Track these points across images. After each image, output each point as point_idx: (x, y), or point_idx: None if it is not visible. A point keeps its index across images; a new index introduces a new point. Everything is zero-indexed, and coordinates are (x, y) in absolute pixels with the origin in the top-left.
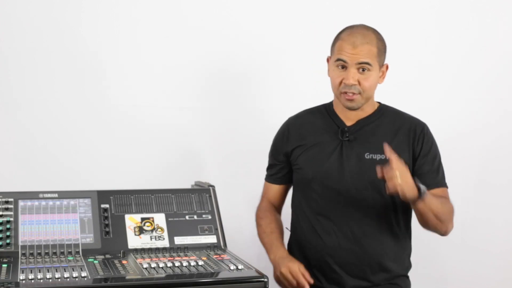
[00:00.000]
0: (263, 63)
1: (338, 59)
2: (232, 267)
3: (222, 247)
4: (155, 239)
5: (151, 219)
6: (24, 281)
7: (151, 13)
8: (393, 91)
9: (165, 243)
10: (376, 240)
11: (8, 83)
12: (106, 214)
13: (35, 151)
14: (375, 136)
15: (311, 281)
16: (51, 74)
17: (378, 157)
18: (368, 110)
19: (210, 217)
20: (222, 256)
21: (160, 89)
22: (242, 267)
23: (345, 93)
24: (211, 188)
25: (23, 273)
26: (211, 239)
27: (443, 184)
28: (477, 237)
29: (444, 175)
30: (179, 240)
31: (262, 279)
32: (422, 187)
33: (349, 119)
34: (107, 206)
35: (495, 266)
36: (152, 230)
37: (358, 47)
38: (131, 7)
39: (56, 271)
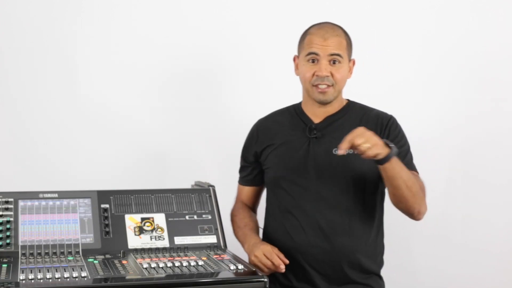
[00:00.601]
0: (264, 63)
1: (310, 53)
2: (232, 267)
3: (222, 247)
4: (155, 239)
5: (151, 219)
6: (24, 281)
7: (145, 16)
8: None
9: (165, 243)
10: (346, 236)
11: (7, 83)
12: (106, 214)
13: (35, 151)
14: (342, 131)
15: (287, 261)
16: (50, 74)
17: (346, 151)
18: (336, 106)
19: (210, 217)
20: (222, 256)
21: (159, 90)
22: (242, 267)
23: (317, 86)
24: (211, 188)
25: (23, 273)
26: (211, 239)
27: (413, 168)
28: (477, 238)
29: (413, 163)
30: (179, 240)
31: (262, 279)
32: (392, 145)
33: (317, 116)
34: (107, 206)
35: (496, 267)
36: (152, 230)
37: (329, 39)
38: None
39: (56, 271)
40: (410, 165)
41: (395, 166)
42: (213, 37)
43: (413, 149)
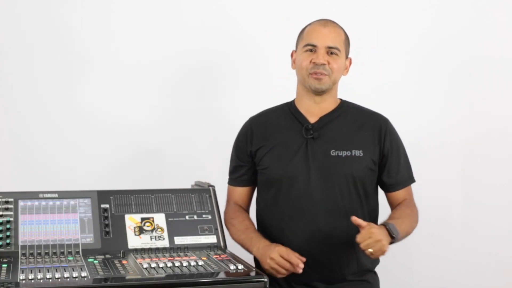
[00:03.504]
0: (266, 62)
1: (308, 44)
2: (232, 267)
3: (222, 247)
4: (155, 239)
5: (151, 219)
6: (24, 281)
7: (147, 15)
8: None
9: (165, 243)
10: (345, 238)
11: (7, 83)
12: (106, 214)
13: (35, 151)
14: (340, 132)
15: (304, 259)
16: (50, 74)
17: (344, 153)
18: (331, 103)
19: (210, 217)
20: (222, 256)
21: (159, 89)
22: (242, 267)
23: (314, 74)
24: (211, 188)
25: (23, 273)
26: (211, 239)
27: (410, 181)
28: (476, 238)
29: (411, 167)
30: (179, 240)
31: (262, 279)
32: (394, 230)
33: (312, 115)
34: (107, 206)
35: (494, 267)
36: (152, 230)
37: (328, 32)
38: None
39: (56, 271)
40: (408, 180)
41: (398, 239)
42: (216, 35)
43: (411, 150)
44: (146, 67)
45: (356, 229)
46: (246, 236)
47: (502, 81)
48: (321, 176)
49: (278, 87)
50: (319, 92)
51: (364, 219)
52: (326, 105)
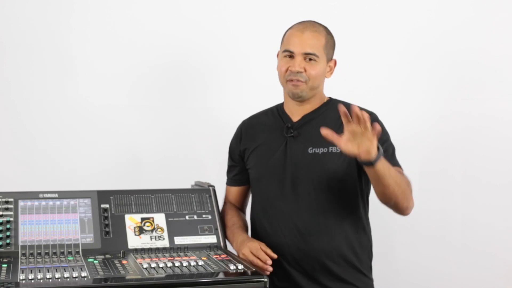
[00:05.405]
0: (265, 63)
1: (286, 50)
2: (232, 267)
3: (222, 247)
4: (155, 239)
5: (151, 219)
6: (24, 281)
7: (146, 14)
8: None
9: (165, 243)
10: (322, 236)
11: (7, 84)
12: (106, 214)
13: (35, 151)
14: (319, 130)
15: (275, 256)
16: (50, 74)
17: (320, 151)
18: (315, 104)
19: (210, 217)
20: (222, 256)
21: (160, 90)
22: (242, 267)
23: (291, 80)
24: (211, 188)
25: (23, 273)
26: (211, 239)
27: (396, 163)
28: (475, 238)
29: (398, 163)
30: (179, 240)
31: (262, 279)
32: (380, 149)
33: (296, 115)
34: (107, 206)
35: (494, 267)
36: (152, 230)
37: (306, 38)
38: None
39: (56, 271)
40: (394, 160)
41: (384, 166)
42: (215, 35)
43: (411, 149)
44: (147, 68)
45: (333, 224)
46: (230, 232)
47: (504, 81)
48: (296, 174)
49: (279, 87)
50: (297, 98)
51: (346, 218)
52: (310, 107)
